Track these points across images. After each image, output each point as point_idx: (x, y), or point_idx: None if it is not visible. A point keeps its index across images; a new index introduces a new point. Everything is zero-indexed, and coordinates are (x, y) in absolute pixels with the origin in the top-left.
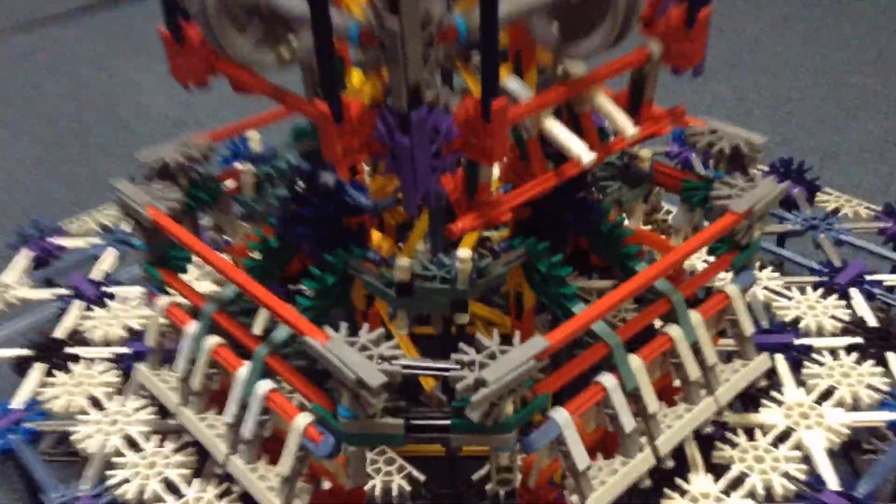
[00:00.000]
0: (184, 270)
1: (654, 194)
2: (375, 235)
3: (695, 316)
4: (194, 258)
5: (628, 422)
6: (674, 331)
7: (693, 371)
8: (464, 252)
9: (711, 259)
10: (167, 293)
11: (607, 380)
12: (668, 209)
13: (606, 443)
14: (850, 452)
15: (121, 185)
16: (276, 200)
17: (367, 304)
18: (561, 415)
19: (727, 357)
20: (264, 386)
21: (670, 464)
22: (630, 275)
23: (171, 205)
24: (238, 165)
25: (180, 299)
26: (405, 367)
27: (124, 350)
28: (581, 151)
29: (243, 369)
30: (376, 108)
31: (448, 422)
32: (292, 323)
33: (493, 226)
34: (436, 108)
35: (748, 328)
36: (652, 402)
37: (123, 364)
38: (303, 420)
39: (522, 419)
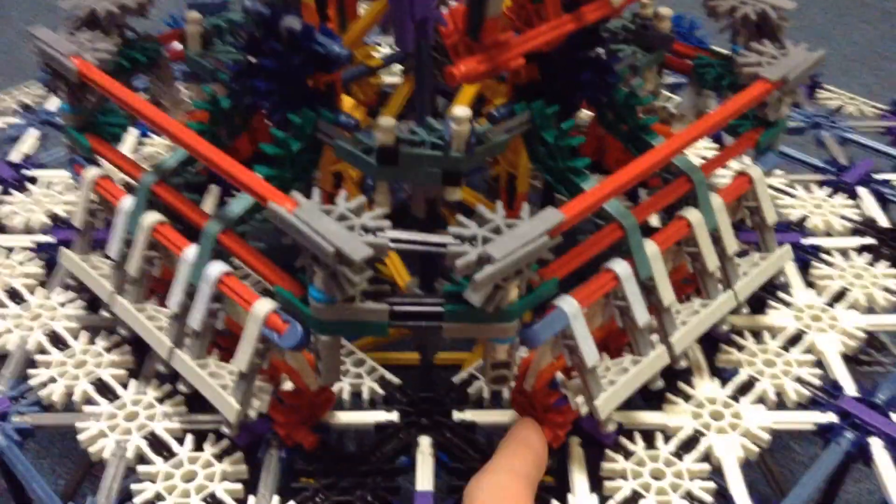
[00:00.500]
0: (117, 139)
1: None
2: (347, 101)
3: (716, 200)
4: (131, 132)
5: (642, 315)
6: (692, 215)
7: (712, 261)
8: (461, 110)
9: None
10: (97, 165)
11: (620, 267)
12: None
13: (609, 344)
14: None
15: (40, 32)
16: (228, 56)
17: (335, 185)
18: (569, 304)
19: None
20: (216, 268)
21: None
22: (644, 150)
23: (100, 55)
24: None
25: (116, 174)
26: (393, 240)
27: (48, 239)
28: None
29: (190, 250)
30: None
31: (440, 308)
32: (253, 188)
33: (500, 72)
34: None
35: (771, 215)
36: (668, 293)
37: (47, 254)
38: (264, 306)
39: (528, 306)
